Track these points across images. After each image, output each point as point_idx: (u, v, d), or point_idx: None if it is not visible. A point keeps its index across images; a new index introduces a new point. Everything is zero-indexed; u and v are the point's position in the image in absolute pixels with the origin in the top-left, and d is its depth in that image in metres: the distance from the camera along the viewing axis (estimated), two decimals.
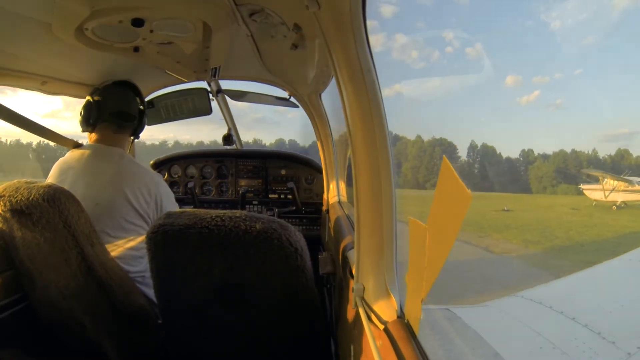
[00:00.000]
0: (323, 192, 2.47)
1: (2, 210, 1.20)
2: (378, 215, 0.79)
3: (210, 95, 2.21)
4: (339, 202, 2.11)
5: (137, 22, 1.08)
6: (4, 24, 1.06)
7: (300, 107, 2.17)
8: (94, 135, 1.46)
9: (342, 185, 2.19)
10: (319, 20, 0.77)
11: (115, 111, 1.45)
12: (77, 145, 1.54)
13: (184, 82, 1.91)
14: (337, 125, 2.06)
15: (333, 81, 1.09)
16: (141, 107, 1.56)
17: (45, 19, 1.06)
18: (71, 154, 1.46)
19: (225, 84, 2.24)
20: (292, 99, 2.11)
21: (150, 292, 1.32)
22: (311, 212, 2.58)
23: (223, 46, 1.35)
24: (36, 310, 1.38)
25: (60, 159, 1.48)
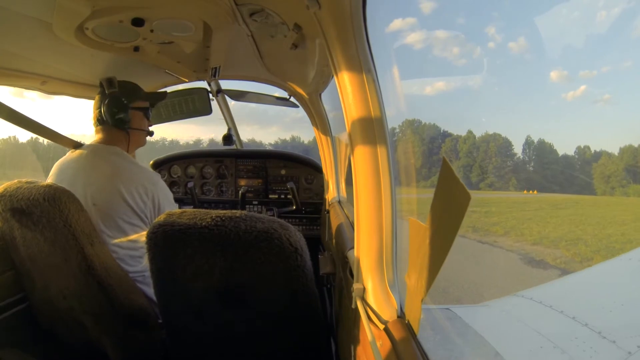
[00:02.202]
0: (323, 192, 2.47)
1: (3, 210, 1.20)
2: (378, 215, 0.79)
3: (210, 95, 2.21)
4: (339, 202, 2.11)
5: (138, 22, 1.08)
6: (4, 23, 1.06)
7: (300, 107, 2.18)
8: (95, 133, 1.47)
9: (342, 185, 2.19)
10: (319, 20, 0.77)
11: None
12: (78, 145, 1.55)
13: (184, 82, 1.91)
14: (337, 125, 2.06)
15: (333, 81, 1.09)
16: None
17: (45, 18, 1.06)
18: (71, 154, 1.47)
19: (225, 84, 2.24)
20: (292, 99, 2.11)
21: (150, 292, 1.32)
22: (311, 212, 2.58)
23: (223, 46, 1.35)
24: (36, 310, 1.38)
25: (61, 159, 1.48)
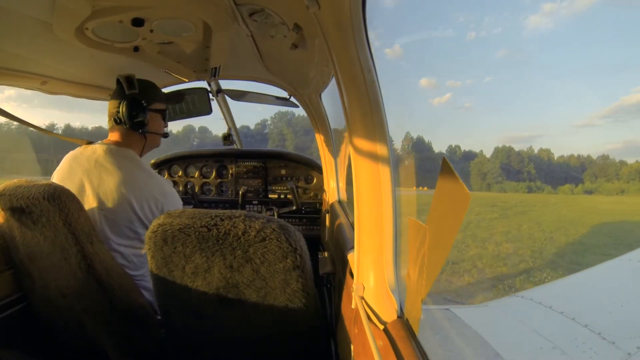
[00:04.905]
0: (323, 191, 2.47)
1: (2, 209, 1.20)
2: (378, 215, 0.79)
3: (210, 95, 2.21)
4: (339, 201, 2.11)
5: (138, 22, 1.08)
6: (4, 23, 1.06)
7: (300, 107, 2.18)
8: (110, 131, 1.45)
9: (342, 185, 2.19)
10: (319, 20, 0.77)
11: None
12: (90, 143, 1.50)
13: (184, 82, 1.91)
14: (337, 125, 2.06)
15: (333, 81, 1.09)
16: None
17: (45, 18, 1.06)
18: (83, 151, 1.42)
19: (225, 84, 2.24)
20: (292, 99, 2.11)
21: (150, 291, 1.32)
22: (311, 212, 2.58)
23: (223, 46, 1.35)
24: (36, 310, 1.38)
25: (71, 153, 1.44)
